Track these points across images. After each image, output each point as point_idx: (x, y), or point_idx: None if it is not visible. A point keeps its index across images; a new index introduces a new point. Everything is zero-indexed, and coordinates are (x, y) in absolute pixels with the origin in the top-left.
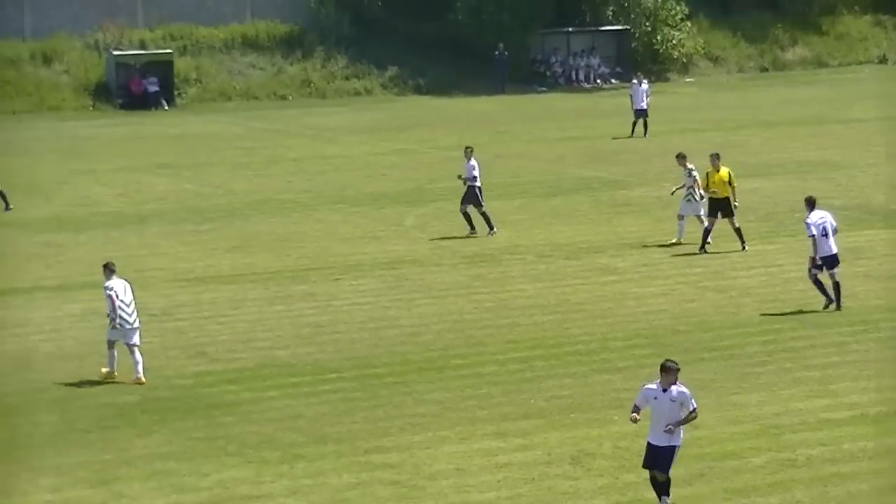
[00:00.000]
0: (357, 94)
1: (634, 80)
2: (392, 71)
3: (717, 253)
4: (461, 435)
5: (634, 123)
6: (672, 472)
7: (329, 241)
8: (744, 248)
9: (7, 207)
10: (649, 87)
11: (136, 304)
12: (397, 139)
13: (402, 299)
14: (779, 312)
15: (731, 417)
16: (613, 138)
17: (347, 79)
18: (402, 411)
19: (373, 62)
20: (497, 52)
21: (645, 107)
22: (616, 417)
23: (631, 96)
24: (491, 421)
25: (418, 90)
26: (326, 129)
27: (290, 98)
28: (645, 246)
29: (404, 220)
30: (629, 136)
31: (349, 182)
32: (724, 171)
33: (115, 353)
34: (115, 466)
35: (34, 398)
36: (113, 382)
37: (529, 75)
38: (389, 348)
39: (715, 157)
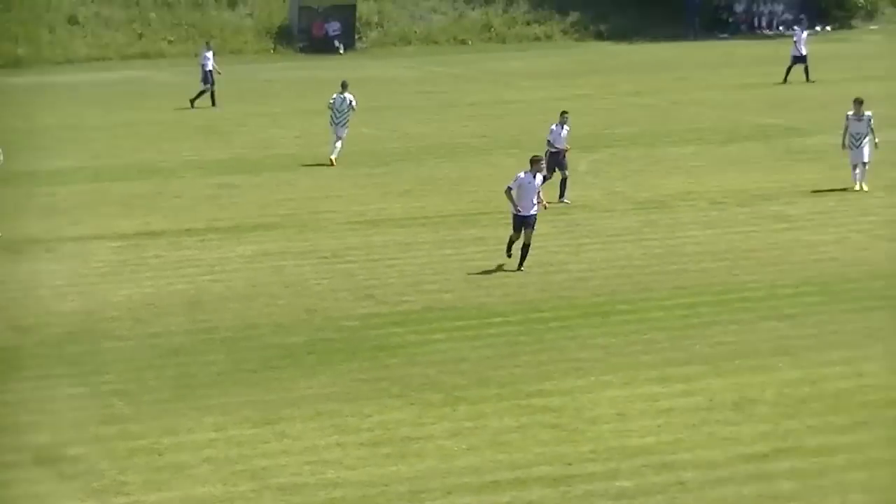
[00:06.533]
0: (537, 39)
1: (797, 27)
2: (573, 16)
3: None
4: (623, 379)
5: (789, 69)
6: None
7: (502, 186)
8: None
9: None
10: (807, 35)
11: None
12: (575, 85)
13: (571, 244)
14: None
15: None
16: (777, 84)
17: (528, 24)
18: (566, 355)
19: (554, 7)
20: None
21: (804, 53)
22: (781, 364)
23: (794, 42)
24: (654, 366)
25: (599, 36)
26: (505, 75)
27: (470, 43)
28: (819, 193)
29: (578, 166)
30: (782, 83)
31: (525, 127)
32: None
33: None
34: (279, 406)
35: (203, 338)
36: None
37: (711, 22)
38: (556, 293)
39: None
